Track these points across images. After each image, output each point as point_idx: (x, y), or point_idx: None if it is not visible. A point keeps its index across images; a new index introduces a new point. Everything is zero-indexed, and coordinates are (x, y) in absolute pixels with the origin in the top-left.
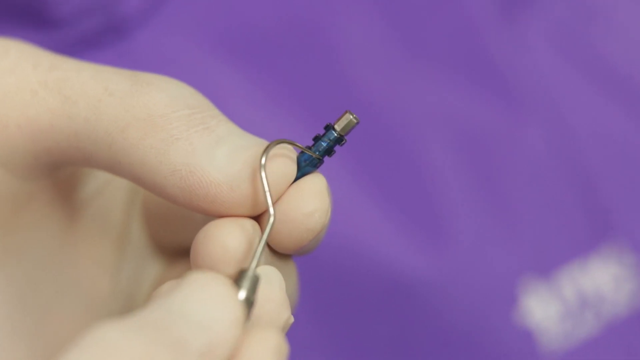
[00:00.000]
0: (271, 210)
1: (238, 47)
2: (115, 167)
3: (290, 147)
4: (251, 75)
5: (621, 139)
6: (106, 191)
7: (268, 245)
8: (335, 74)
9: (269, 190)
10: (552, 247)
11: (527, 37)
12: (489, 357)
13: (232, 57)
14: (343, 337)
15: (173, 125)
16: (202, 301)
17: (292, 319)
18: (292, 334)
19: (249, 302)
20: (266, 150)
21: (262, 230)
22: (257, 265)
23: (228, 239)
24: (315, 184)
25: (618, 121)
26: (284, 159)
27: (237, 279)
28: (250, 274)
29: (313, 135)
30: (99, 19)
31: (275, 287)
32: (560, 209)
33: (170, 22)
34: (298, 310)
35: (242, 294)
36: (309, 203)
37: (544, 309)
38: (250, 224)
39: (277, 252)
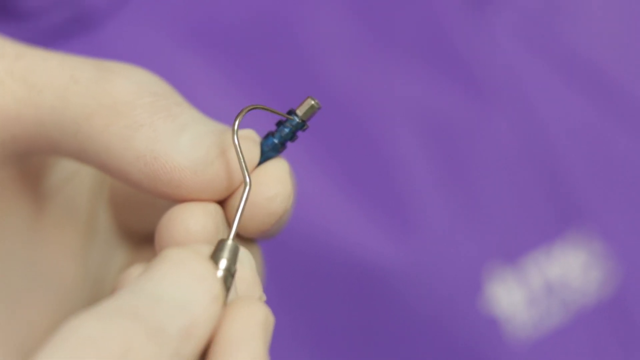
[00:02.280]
0: (247, 179)
1: (207, 38)
2: (81, 155)
3: (253, 132)
4: (220, 66)
5: (588, 128)
6: (73, 179)
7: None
8: (304, 65)
9: (243, 159)
10: (519, 235)
11: (494, 29)
12: (456, 344)
13: (201, 48)
14: (310, 325)
15: (137, 112)
16: (177, 281)
17: (264, 297)
18: None
19: (231, 273)
20: (239, 115)
21: (228, 213)
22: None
23: (191, 222)
24: (278, 169)
25: (585, 111)
26: (248, 143)
27: (216, 250)
28: (229, 242)
29: (277, 122)
30: (67, 11)
31: (246, 267)
32: (527, 197)
33: (138, 14)
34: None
35: (223, 264)
36: (271, 187)
37: (510, 297)
38: (214, 208)
39: (242, 237)
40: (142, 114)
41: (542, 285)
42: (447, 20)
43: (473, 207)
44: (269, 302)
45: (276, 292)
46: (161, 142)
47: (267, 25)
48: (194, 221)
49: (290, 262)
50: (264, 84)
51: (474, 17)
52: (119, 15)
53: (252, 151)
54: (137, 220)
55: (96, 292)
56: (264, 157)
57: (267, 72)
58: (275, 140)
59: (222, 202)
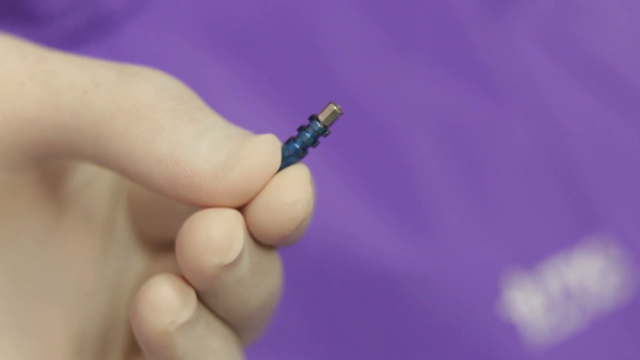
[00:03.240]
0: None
1: (224, 41)
2: (101, 159)
3: (274, 137)
4: (238, 69)
5: (606, 132)
6: (92, 185)
7: (251, 235)
8: (321, 68)
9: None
10: (537, 240)
11: (512, 32)
12: (473, 350)
13: (219, 51)
14: (328, 330)
15: (158, 116)
16: None
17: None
18: (277, 327)
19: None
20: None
21: (247, 219)
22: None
23: (212, 229)
24: (298, 174)
25: (603, 115)
26: (268, 149)
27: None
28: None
29: (298, 127)
30: (85, 15)
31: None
32: (545, 201)
33: (156, 17)
34: (283, 302)
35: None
36: (292, 193)
37: (528, 302)
38: (234, 214)
39: (260, 243)
40: (163, 117)
41: (560, 290)
42: (466, 24)
43: (492, 213)
44: (285, 307)
45: (294, 297)
46: (182, 146)
47: (285, 28)
48: (216, 228)
49: (308, 268)
50: (283, 87)
51: (494, 21)
52: (137, 19)
53: (272, 157)
54: (156, 227)
55: (113, 299)
56: (285, 163)
57: (286, 75)
58: (297, 146)
59: (241, 208)
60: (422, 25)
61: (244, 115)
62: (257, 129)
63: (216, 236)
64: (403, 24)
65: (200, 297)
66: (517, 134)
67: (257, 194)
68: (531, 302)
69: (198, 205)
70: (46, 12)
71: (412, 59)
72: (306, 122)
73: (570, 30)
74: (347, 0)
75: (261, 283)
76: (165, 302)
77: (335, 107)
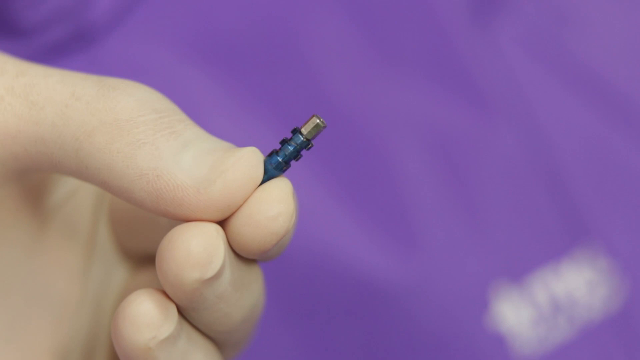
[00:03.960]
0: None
1: (207, 52)
2: (82, 173)
3: (257, 150)
4: (222, 81)
5: (595, 141)
6: (74, 197)
7: (232, 250)
8: (306, 79)
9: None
10: (525, 252)
11: (498, 40)
12: None
13: (202, 62)
14: (313, 342)
15: (140, 130)
16: None
17: None
18: (261, 339)
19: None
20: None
21: (229, 233)
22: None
23: (192, 243)
24: (280, 188)
25: (592, 124)
26: (250, 162)
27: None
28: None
29: (281, 140)
30: (67, 27)
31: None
32: (533, 213)
33: (139, 29)
34: (266, 314)
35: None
36: (274, 207)
37: (516, 314)
38: (214, 229)
39: (242, 257)
40: (144, 131)
41: (548, 302)
42: (452, 33)
43: (479, 224)
44: (269, 319)
45: (278, 308)
46: (164, 160)
47: (270, 41)
48: (196, 242)
49: (292, 278)
50: (266, 100)
51: (480, 31)
52: (119, 31)
53: (255, 170)
54: (136, 241)
55: (96, 311)
56: (267, 176)
57: (270, 87)
58: (280, 159)
59: (222, 222)
60: (408, 36)
61: (227, 127)
62: (241, 141)
63: (196, 250)
64: (389, 35)
65: (181, 312)
66: (505, 144)
67: (237, 208)
68: (519, 314)
69: (180, 219)
70: (29, 25)
71: (398, 70)
72: (289, 134)
73: (556, 39)
74: (333, 12)
75: (242, 297)
76: (146, 318)
77: (318, 120)
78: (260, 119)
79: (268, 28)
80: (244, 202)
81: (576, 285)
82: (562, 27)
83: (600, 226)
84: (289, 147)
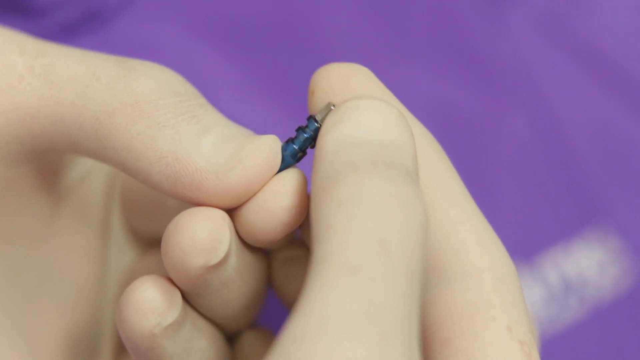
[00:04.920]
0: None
1: (221, 33)
2: (100, 153)
3: (276, 137)
4: (235, 62)
5: (605, 122)
6: (87, 179)
7: (239, 236)
8: (319, 61)
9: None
10: (536, 232)
11: (509, 21)
12: None
13: (215, 43)
14: None
15: (160, 113)
16: None
17: None
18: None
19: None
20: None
21: (238, 220)
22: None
23: (198, 229)
24: (296, 179)
25: (603, 106)
26: (269, 151)
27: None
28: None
29: (296, 124)
30: (80, 7)
31: None
32: (544, 193)
33: (151, 9)
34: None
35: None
36: (288, 197)
37: (527, 294)
38: (220, 215)
39: (247, 244)
40: (165, 114)
41: (559, 282)
42: (463, 14)
43: (489, 204)
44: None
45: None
46: (184, 144)
47: (282, 20)
48: (202, 228)
49: None
50: (280, 82)
51: (491, 11)
52: (132, 11)
53: (275, 158)
54: (145, 223)
55: (107, 295)
56: (284, 165)
57: (282, 68)
58: (295, 147)
59: (230, 211)
60: (419, 16)
61: (237, 107)
62: (256, 125)
63: (201, 237)
64: (400, 15)
65: (186, 297)
66: (515, 124)
67: (252, 196)
68: (530, 294)
69: (196, 204)
70: (40, 5)
71: (409, 50)
72: (300, 114)
73: (567, 19)
74: None
75: (246, 284)
76: (151, 305)
77: (332, 107)
78: (271, 99)
79: (281, 7)
80: (260, 189)
81: (587, 265)
82: (572, 7)
83: (611, 206)
84: (304, 135)
